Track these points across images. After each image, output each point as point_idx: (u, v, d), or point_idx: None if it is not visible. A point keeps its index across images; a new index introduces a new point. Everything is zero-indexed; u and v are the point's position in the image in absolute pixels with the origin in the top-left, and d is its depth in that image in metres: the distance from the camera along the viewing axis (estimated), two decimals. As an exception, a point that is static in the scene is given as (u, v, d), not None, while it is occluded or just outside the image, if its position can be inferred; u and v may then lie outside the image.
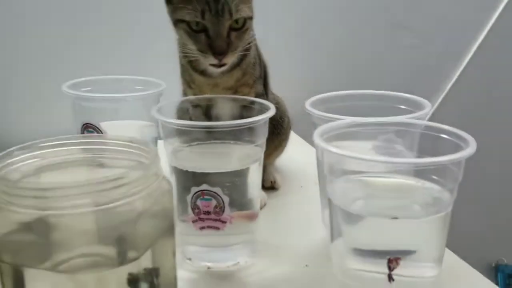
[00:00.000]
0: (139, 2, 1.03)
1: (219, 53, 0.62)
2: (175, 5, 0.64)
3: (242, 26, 0.64)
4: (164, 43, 0.71)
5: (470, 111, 1.25)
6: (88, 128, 0.72)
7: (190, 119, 0.74)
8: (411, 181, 0.52)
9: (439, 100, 1.30)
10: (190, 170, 0.59)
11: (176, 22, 0.65)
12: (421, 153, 0.57)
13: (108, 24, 1.04)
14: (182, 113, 0.73)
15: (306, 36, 1.17)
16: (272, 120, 0.65)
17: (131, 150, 0.49)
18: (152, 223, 0.44)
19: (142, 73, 0.81)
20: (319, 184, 0.69)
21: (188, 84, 0.74)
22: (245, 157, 0.61)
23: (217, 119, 0.73)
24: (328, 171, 0.53)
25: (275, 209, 0.77)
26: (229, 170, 0.59)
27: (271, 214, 0.74)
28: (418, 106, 0.63)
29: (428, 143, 0.55)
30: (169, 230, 0.46)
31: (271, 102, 0.70)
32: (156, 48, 0.88)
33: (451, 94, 1.29)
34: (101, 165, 0.50)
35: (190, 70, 0.71)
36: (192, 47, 0.64)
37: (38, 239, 0.42)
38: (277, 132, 0.85)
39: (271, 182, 0.85)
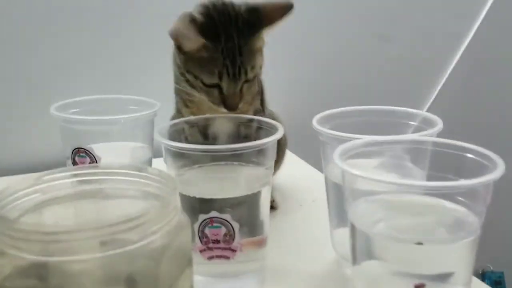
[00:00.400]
0: (129, 18, 0.99)
1: (232, 108, 0.63)
2: (188, 58, 0.63)
3: (253, 77, 0.64)
4: (157, 59, 0.67)
5: (456, 118, 1.25)
6: (80, 153, 0.68)
7: (186, 139, 0.70)
8: (433, 200, 0.50)
9: (425, 109, 1.29)
10: (197, 196, 0.56)
11: (188, 72, 0.63)
12: (436, 171, 0.55)
13: (97, 41, 0.99)
14: (177, 133, 0.69)
15: (290, 50, 1.15)
16: (266, 132, 0.64)
17: (138, 179, 0.45)
18: (171, 263, 0.40)
19: (134, 92, 0.77)
20: (328, 205, 0.66)
21: (185, 103, 0.70)
22: (254, 180, 0.58)
23: (215, 138, 0.70)
24: (350, 194, 0.50)
25: (280, 231, 0.74)
26: (239, 195, 0.56)
27: (276, 236, 0.71)
28: (428, 123, 0.61)
29: (449, 161, 0.53)
30: (188, 266, 0.43)
31: (268, 117, 0.68)
32: (148, 65, 0.84)
33: (436, 103, 1.29)
34: (107, 197, 0.47)
35: (189, 89, 0.67)
36: (200, 95, 0.64)
37: (41, 285, 0.38)
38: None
39: (271, 201, 0.82)
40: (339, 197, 0.63)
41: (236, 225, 0.55)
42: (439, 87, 1.30)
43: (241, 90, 0.63)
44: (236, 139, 0.70)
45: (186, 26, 0.59)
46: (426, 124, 0.62)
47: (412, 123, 0.63)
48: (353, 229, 0.51)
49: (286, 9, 0.62)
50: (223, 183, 0.59)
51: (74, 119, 0.68)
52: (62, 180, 0.45)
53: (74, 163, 0.68)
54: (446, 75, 1.30)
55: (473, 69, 1.30)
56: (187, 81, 0.65)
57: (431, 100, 1.30)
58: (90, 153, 0.67)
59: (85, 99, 0.75)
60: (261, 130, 0.68)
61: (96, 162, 0.67)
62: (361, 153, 0.58)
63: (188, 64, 0.62)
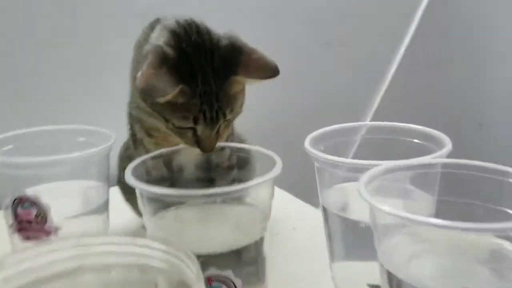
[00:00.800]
0: (73, 32, 0.84)
1: (208, 151, 0.53)
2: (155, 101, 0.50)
3: (232, 117, 0.54)
4: (109, 79, 0.56)
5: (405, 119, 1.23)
6: (23, 202, 0.54)
7: (148, 173, 0.60)
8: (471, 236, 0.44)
9: (372, 112, 1.26)
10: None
11: (156, 111, 0.52)
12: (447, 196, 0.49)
13: (35, 60, 0.82)
14: (138, 167, 0.58)
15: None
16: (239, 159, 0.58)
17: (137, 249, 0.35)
18: None
19: (82, 120, 0.64)
20: (329, 237, 0.58)
21: (147, 132, 0.59)
22: (251, 224, 0.49)
23: (181, 170, 0.60)
24: (382, 233, 0.43)
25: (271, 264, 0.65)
26: (241, 246, 0.47)
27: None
28: (433, 140, 0.55)
29: (465, 184, 0.47)
30: None
31: (238, 140, 0.62)
32: (99, 87, 0.71)
33: (380, 110, 1.26)
34: (108, 270, 0.36)
35: (154, 121, 0.57)
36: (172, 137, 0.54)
37: None
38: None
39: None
40: (342, 229, 0.56)
41: (239, 282, 0.46)
42: (381, 93, 1.27)
43: (217, 131, 0.53)
44: (205, 170, 0.61)
45: (159, 74, 0.47)
46: (427, 140, 0.56)
47: (414, 140, 0.57)
48: (381, 271, 0.44)
49: (270, 73, 0.50)
50: (213, 231, 0.49)
51: (11, 162, 0.55)
52: (56, 254, 0.35)
53: (16, 216, 0.55)
54: (388, 81, 1.27)
55: (413, 72, 1.28)
56: (152, 114, 0.54)
57: (375, 108, 1.26)
58: (36, 203, 0.54)
59: (22, 133, 0.61)
60: (234, 157, 0.60)
61: (45, 213, 0.54)
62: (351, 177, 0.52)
63: (156, 106, 0.51)
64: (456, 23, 1.30)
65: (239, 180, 0.61)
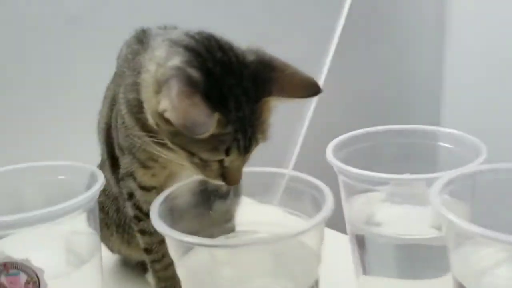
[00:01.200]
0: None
1: (234, 184, 0.46)
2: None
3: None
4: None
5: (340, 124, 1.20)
6: (9, 269, 0.44)
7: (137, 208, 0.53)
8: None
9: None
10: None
11: (176, 144, 0.44)
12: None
13: None
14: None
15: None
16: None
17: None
18: None
19: (61, 154, 0.53)
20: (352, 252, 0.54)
21: (143, 163, 0.51)
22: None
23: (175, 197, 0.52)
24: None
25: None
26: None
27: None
28: (460, 142, 0.53)
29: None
30: None
31: None
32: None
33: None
34: None
35: (154, 145, 0.48)
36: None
37: None
38: None
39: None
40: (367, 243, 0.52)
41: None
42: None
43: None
44: (201, 197, 0.53)
45: (195, 105, 0.39)
46: (451, 142, 0.53)
47: (443, 144, 0.54)
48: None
49: (311, 91, 0.44)
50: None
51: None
52: None
53: (-1, 286, 0.44)
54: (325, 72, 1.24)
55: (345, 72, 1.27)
56: (160, 143, 0.46)
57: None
58: (28, 266, 0.44)
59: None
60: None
61: (38, 278, 0.44)
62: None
63: (178, 138, 0.43)
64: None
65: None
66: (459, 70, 1.32)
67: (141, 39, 0.49)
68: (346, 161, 0.50)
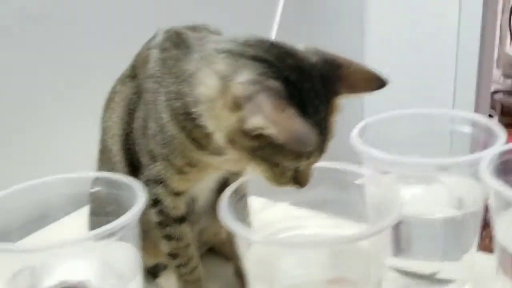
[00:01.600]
0: None
1: (305, 185, 0.46)
2: (263, 145, 0.41)
3: None
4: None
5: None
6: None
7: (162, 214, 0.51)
8: None
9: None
10: None
11: (254, 156, 0.42)
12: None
13: None
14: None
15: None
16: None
17: None
18: None
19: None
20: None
21: (180, 169, 0.49)
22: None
23: (194, 199, 0.54)
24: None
25: None
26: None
27: None
28: (479, 126, 0.54)
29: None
30: None
31: None
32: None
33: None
34: None
35: (196, 151, 0.47)
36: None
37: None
38: None
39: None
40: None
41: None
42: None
43: None
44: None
45: (293, 118, 0.38)
46: (475, 126, 0.55)
47: (463, 129, 0.56)
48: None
49: (378, 83, 0.44)
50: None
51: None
52: None
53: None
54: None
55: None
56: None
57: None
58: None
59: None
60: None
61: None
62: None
63: (261, 152, 0.42)
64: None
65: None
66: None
67: (178, 43, 0.47)
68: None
